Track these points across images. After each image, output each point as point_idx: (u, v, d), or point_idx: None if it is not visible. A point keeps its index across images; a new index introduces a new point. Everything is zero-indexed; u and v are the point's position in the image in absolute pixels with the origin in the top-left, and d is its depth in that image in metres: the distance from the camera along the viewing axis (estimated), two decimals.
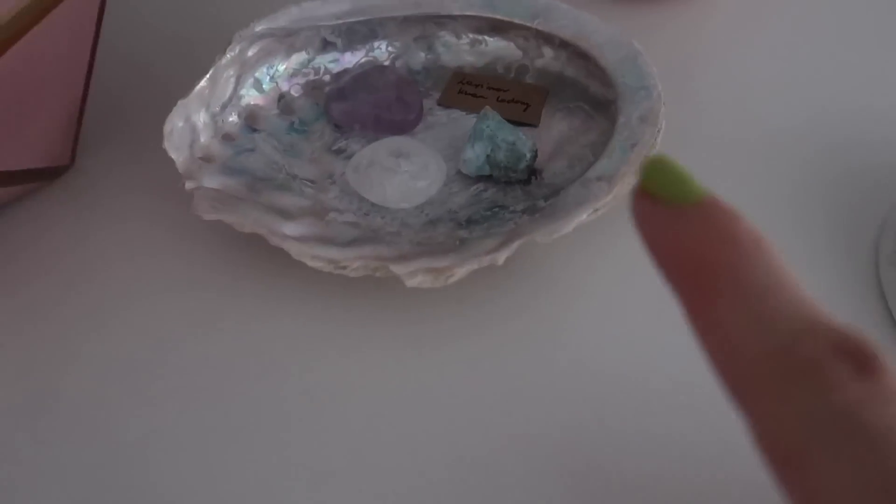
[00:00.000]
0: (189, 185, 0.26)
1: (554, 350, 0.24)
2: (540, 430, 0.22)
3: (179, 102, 0.27)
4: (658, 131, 0.25)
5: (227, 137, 0.29)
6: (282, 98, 0.30)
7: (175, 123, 0.27)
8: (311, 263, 0.24)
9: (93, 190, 0.30)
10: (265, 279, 0.26)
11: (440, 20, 0.31)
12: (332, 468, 0.22)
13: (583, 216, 0.24)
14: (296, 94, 0.31)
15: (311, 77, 0.31)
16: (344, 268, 0.24)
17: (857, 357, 0.12)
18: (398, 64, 0.32)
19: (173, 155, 0.26)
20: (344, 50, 0.31)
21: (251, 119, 0.29)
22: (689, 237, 0.14)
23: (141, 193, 0.29)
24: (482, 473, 0.21)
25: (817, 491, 0.11)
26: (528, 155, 0.27)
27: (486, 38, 0.31)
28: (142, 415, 0.23)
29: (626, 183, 0.24)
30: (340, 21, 0.30)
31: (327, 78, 0.31)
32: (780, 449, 0.12)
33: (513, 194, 0.27)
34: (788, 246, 0.25)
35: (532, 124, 0.29)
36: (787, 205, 0.27)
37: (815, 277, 0.24)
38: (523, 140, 0.27)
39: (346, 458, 0.22)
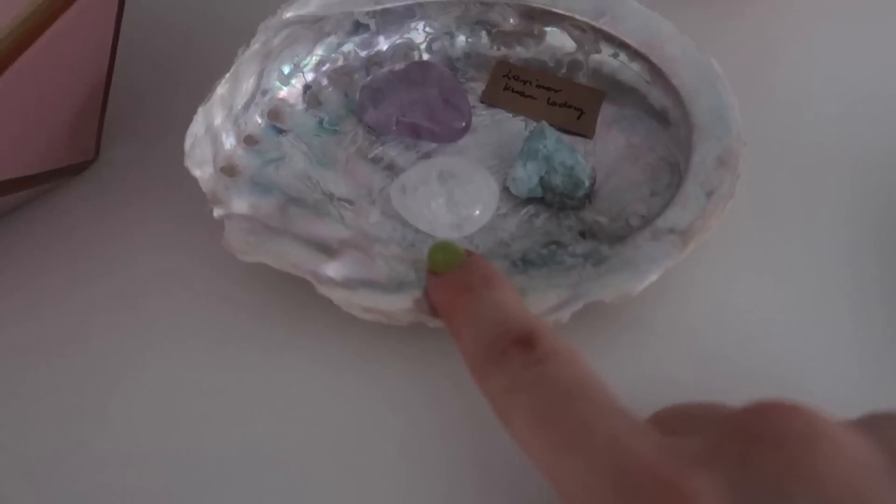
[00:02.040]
0: (217, 212, 0.23)
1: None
2: None
3: (200, 109, 0.24)
4: (737, 177, 0.23)
5: (249, 140, 0.25)
6: (308, 89, 0.27)
7: (196, 134, 0.24)
8: (360, 316, 0.22)
9: (117, 183, 0.27)
10: (302, 319, 0.24)
11: (487, 3, 0.28)
12: None
13: (653, 277, 0.22)
14: (323, 84, 0.27)
15: (340, 63, 0.27)
16: (398, 321, 0.22)
17: (522, 340, 0.18)
18: (435, 47, 0.28)
19: (196, 173, 0.23)
20: (377, 32, 0.27)
21: (275, 116, 0.26)
22: (445, 293, 0.21)
23: (165, 186, 0.27)
24: None
25: (514, 432, 0.17)
26: (587, 183, 0.25)
27: (537, 25, 0.28)
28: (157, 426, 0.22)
29: (701, 237, 0.23)
30: (379, 6, 0.26)
31: (357, 64, 0.28)
32: (497, 409, 0.18)
33: (567, 222, 0.25)
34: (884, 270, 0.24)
35: (586, 135, 0.27)
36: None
37: None
38: (582, 165, 0.25)
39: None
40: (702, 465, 0.15)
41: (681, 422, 0.18)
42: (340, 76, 0.28)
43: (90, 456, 0.22)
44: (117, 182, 0.27)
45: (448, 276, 0.21)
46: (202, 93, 0.28)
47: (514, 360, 0.18)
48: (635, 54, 0.27)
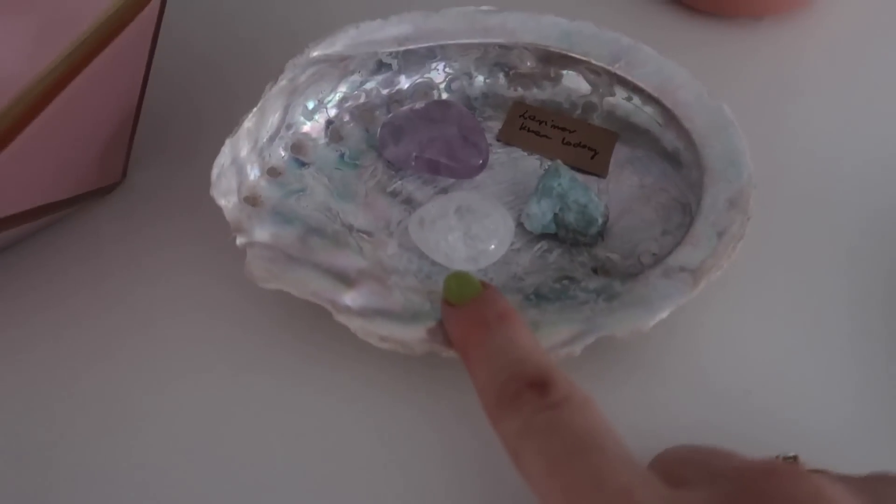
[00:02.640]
0: (240, 240, 0.24)
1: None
2: None
3: (227, 142, 0.25)
4: (747, 219, 0.24)
5: (273, 172, 0.26)
6: (330, 124, 0.28)
7: (222, 165, 0.24)
8: (377, 345, 0.22)
9: (142, 206, 0.28)
10: (318, 346, 0.25)
11: (507, 46, 0.29)
12: None
13: (664, 314, 0.22)
14: (345, 120, 0.28)
15: (362, 100, 0.28)
16: (413, 350, 0.22)
17: (537, 384, 0.18)
18: (454, 87, 0.29)
19: (221, 202, 0.24)
20: (399, 72, 0.29)
21: (298, 149, 0.27)
22: (460, 326, 0.21)
23: (189, 211, 0.28)
24: None
25: (525, 473, 0.18)
26: (601, 220, 0.26)
27: (554, 68, 0.29)
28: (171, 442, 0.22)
29: (711, 276, 0.23)
30: (402, 48, 0.27)
31: (378, 101, 0.29)
32: (509, 450, 0.18)
33: (579, 259, 0.26)
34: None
35: (599, 175, 0.28)
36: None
37: None
38: (596, 203, 0.26)
39: None
40: None
41: (685, 468, 0.18)
42: (362, 112, 0.28)
43: (111, 474, 0.22)
44: (142, 204, 0.28)
45: (464, 308, 0.21)
46: (228, 124, 0.28)
47: (529, 404, 0.18)
48: (649, 98, 0.27)
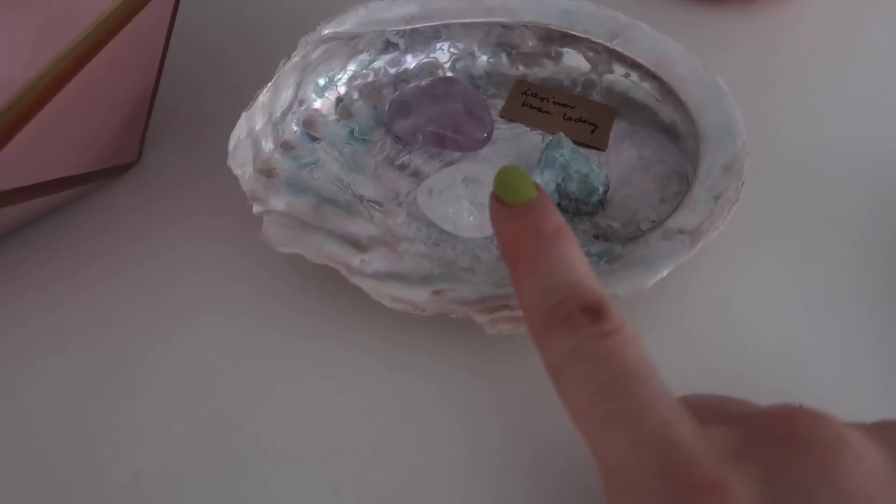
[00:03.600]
0: (257, 208, 0.25)
1: None
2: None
3: (243, 115, 0.26)
4: (742, 183, 0.25)
5: (286, 146, 0.27)
6: (340, 102, 0.29)
7: (238, 137, 0.25)
8: (389, 305, 0.23)
9: (158, 185, 0.29)
10: (334, 309, 0.26)
11: (508, 25, 0.30)
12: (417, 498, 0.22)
13: (664, 272, 0.24)
14: (354, 97, 0.29)
15: (371, 79, 0.29)
16: (423, 310, 0.23)
17: (591, 310, 0.18)
18: (458, 66, 0.30)
19: (237, 172, 0.25)
20: (406, 51, 0.30)
21: (310, 125, 0.28)
22: (512, 230, 0.20)
23: (205, 188, 0.29)
24: (551, 497, 0.22)
25: (566, 393, 0.18)
26: (601, 189, 0.27)
27: (554, 47, 0.30)
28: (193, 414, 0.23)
29: (708, 238, 0.24)
30: (409, 26, 0.28)
31: (386, 80, 0.30)
32: (551, 368, 0.18)
33: (581, 227, 0.27)
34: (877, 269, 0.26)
35: (599, 148, 0.29)
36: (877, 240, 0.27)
37: None
38: (597, 173, 0.27)
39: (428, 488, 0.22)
40: (739, 463, 0.16)
41: (707, 412, 0.19)
42: (370, 91, 0.30)
43: (131, 434, 0.23)
44: (158, 181, 0.29)
45: (518, 212, 0.20)
46: (240, 103, 0.30)
47: (583, 328, 0.18)
48: (646, 74, 0.29)
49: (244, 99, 0.30)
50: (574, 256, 0.20)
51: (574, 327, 0.18)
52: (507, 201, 0.21)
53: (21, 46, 0.20)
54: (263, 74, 0.29)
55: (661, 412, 0.17)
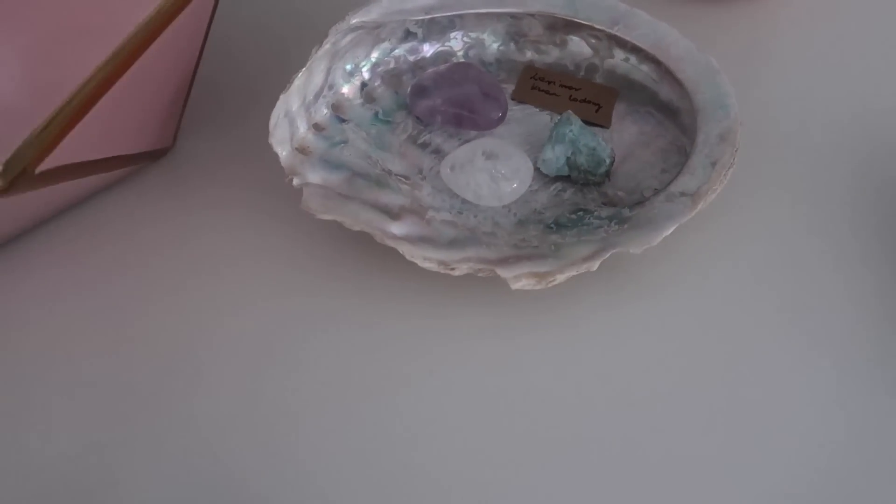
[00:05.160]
0: (296, 181, 0.27)
1: (640, 338, 0.27)
2: (625, 408, 0.25)
3: (281, 96, 0.28)
4: (735, 150, 0.27)
5: (317, 127, 0.30)
6: (364, 87, 0.31)
7: (278, 116, 0.28)
8: (422, 264, 0.26)
9: (192, 171, 0.31)
10: (370, 273, 0.28)
11: (517, 15, 0.32)
12: (447, 446, 0.24)
13: (669, 230, 0.26)
14: (376, 83, 0.32)
15: (392, 66, 0.32)
16: (452, 269, 0.26)
17: None
18: (471, 54, 0.33)
19: (277, 149, 0.27)
20: (423, 40, 0.32)
21: (338, 108, 0.30)
22: None
23: (237, 176, 0.31)
24: (573, 449, 0.24)
25: None
26: (608, 161, 0.29)
27: (559, 34, 0.33)
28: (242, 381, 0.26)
29: (707, 199, 0.27)
30: (428, 16, 0.31)
31: (405, 67, 0.32)
32: None
33: (591, 196, 0.29)
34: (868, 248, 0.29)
35: (603, 125, 0.31)
36: (869, 210, 0.30)
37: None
38: (603, 146, 0.29)
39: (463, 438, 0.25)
40: None
41: None
42: (391, 77, 0.32)
43: (185, 397, 0.26)
44: (196, 163, 0.32)
45: None
46: (271, 87, 0.32)
47: None
48: (645, 57, 0.31)
49: (272, 85, 0.32)
50: None
51: None
52: None
53: (87, 40, 0.23)
54: (293, 61, 0.31)
55: None
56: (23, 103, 0.21)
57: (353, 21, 0.29)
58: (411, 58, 0.32)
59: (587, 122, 0.32)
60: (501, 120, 0.31)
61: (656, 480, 0.24)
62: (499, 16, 0.32)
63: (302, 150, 0.29)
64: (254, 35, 0.36)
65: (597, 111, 0.32)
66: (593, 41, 0.32)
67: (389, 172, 0.29)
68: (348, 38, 0.30)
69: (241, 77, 0.34)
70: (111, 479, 0.24)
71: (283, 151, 0.28)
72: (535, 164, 0.30)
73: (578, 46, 0.33)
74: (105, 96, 0.23)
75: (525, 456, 0.24)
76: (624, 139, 0.31)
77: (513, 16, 0.32)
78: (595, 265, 0.26)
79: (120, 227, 0.30)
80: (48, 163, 0.22)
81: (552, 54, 0.33)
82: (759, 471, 0.24)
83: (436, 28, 0.32)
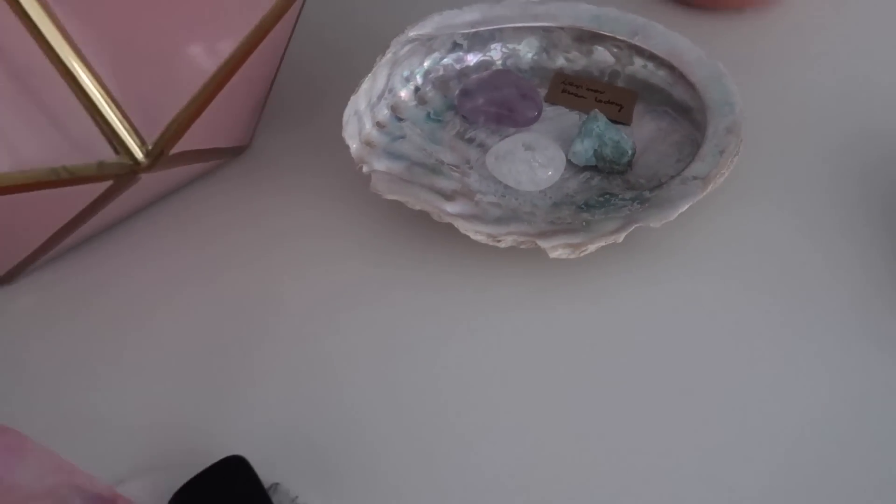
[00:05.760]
0: (365, 168, 0.32)
1: (661, 299, 0.31)
2: (651, 368, 0.30)
3: (351, 98, 0.33)
4: (740, 141, 0.32)
5: (379, 125, 0.34)
6: (417, 91, 0.36)
7: (349, 115, 0.33)
8: (473, 237, 0.30)
9: (266, 167, 0.36)
10: (426, 247, 0.33)
11: (549, 28, 0.37)
12: (490, 407, 0.29)
13: (684, 207, 0.31)
14: (427, 88, 0.36)
15: (441, 73, 0.37)
16: (499, 241, 0.30)
17: None
18: (509, 63, 0.38)
19: (349, 142, 0.32)
20: (468, 51, 0.37)
21: (396, 109, 0.35)
22: None
23: (309, 167, 0.36)
24: (609, 414, 0.29)
25: None
26: (630, 152, 0.34)
27: (586, 45, 0.37)
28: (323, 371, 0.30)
29: (717, 182, 0.31)
30: (473, 29, 0.35)
31: (452, 74, 0.37)
32: None
33: (615, 182, 0.34)
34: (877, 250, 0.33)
35: (625, 123, 0.36)
36: (872, 211, 0.34)
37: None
38: (626, 139, 0.34)
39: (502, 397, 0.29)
40: None
41: None
42: (440, 82, 0.37)
43: (274, 356, 0.30)
44: (270, 163, 0.37)
45: None
46: (335, 92, 0.37)
47: None
48: (661, 63, 0.36)
49: (336, 91, 0.38)
50: None
51: None
52: None
53: (215, 36, 0.27)
54: (356, 69, 0.36)
55: None
56: (168, 92, 0.25)
57: (412, 34, 0.34)
58: (457, 66, 0.37)
59: (611, 120, 0.36)
60: (537, 118, 0.35)
61: (672, 421, 0.28)
62: (533, 29, 0.37)
63: (368, 143, 0.33)
64: (318, 46, 0.41)
65: (619, 111, 0.36)
66: (615, 50, 0.37)
67: (442, 163, 0.34)
68: (406, 48, 0.35)
69: (308, 83, 0.40)
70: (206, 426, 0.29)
71: (353, 144, 0.33)
72: (566, 155, 0.35)
73: (603, 55, 0.37)
74: (222, 90, 0.27)
75: (561, 398, 0.29)
76: (643, 134, 0.35)
77: (545, 29, 0.37)
78: (621, 237, 0.30)
79: (216, 206, 0.35)
80: (178, 147, 0.27)
81: (580, 62, 0.38)
82: (778, 421, 0.28)
83: (478, 40, 0.37)
